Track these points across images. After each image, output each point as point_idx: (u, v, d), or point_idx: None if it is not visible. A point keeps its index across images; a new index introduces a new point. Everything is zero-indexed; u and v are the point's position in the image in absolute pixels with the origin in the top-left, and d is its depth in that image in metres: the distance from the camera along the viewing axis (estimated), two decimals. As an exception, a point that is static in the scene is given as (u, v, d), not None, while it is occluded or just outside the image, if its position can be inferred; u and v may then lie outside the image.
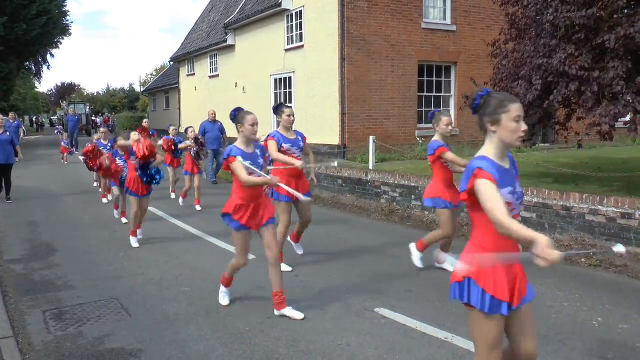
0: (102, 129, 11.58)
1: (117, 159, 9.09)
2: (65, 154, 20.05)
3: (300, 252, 6.92)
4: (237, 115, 4.94)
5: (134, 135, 7.88)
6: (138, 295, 5.59)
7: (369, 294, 5.49)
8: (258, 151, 5.00)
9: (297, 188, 5.82)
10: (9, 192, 11.55)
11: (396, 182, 10.16)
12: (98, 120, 50.53)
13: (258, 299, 5.42)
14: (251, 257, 6.92)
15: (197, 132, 11.90)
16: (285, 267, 6.14)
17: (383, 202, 10.37)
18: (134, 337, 4.52)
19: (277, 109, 6.23)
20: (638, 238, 6.49)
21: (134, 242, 7.65)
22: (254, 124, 4.85)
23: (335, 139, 15.25)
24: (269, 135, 6.12)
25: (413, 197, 9.72)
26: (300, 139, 6.29)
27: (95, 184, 13.55)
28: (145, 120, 11.63)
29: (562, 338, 4.35)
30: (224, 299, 5.26)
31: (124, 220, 9.33)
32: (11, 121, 17.97)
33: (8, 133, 11.47)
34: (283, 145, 6.08)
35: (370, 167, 11.74)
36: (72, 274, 6.38)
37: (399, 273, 6.22)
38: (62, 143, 20.64)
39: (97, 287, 5.85)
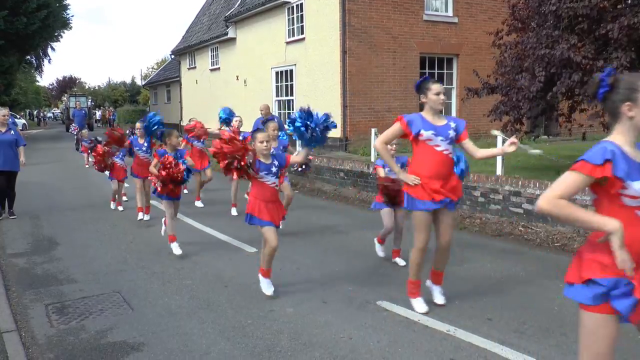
0: (138, 124, 9.31)
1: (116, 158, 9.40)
2: (87, 155, 16.59)
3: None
4: (421, 84, 4.63)
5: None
6: (140, 288, 5.60)
7: (371, 287, 5.48)
8: (451, 123, 4.66)
9: None
10: (11, 204, 9.36)
11: (398, 175, 10.12)
12: (98, 113, 50.41)
13: (260, 292, 5.41)
14: (253, 250, 6.95)
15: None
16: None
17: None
18: (136, 331, 4.52)
19: (421, 86, 4.62)
20: None
21: (176, 249, 6.77)
22: (439, 93, 4.53)
23: (337, 132, 15.21)
24: (401, 116, 4.66)
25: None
26: (454, 125, 4.62)
27: (120, 207, 10.19)
28: (236, 119, 9.46)
29: (564, 330, 4.35)
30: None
31: (120, 208, 9.86)
32: None
33: (13, 132, 9.22)
34: (422, 132, 4.51)
35: (372, 160, 11.71)
36: (74, 267, 6.39)
37: (401, 266, 6.21)
38: (83, 142, 16.54)
39: (99, 281, 5.86)
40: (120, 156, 9.74)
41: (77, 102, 29.38)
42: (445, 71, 16.79)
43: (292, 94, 17.78)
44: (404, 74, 15.70)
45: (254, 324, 4.61)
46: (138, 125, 9.09)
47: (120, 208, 9.87)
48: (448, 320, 4.55)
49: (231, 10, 21.65)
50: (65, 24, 34.49)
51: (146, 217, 8.93)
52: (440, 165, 4.55)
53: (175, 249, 6.76)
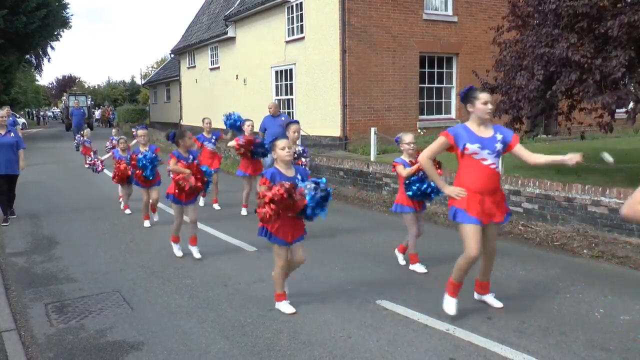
0: (140, 131, 8.88)
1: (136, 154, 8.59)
2: (87, 157, 15.89)
3: (403, 262, 6.28)
4: (468, 93, 4.49)
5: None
6: (140, 287, 5.60)
7: (370, 286, 5.48)
8: (497, 134, 4.45)
9: None
10: (11, 203, 9.07)
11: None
12: (97, 113, 50.28)
13: (259, 291, 5.42)
14: (252, 249, 6.95)
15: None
16: (420, 268, 5.97)
17: (384, 193, 10.35)
18: (135, 330, 4.52)
19: (468, 95, 4.50)
20: (640, 229, 6.47)
21: (176, 251, 6.72)
22: (487, 102, 4.36)
23: (336, 131, 15.22)
24: (446, 131, 4.52)
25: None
26: (500, 137, 4.43)
27: (121, 200, 10.20)
28: (248, 124, 9.01)
29: (564, 329, 4.35)
30: (288, 309, 4.81)
31: (128, 211, 9.52)
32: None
33: (13, 134, 8.83)
34: (467, 145, 4.34)
35: (372, 159, 11.71)
36: (73, 266, 6.39)
37: (400, 265, 6.21)
38: (85, 142, 16.48)
39: (98, 280, 5.86)
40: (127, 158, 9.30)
41: (76, 101, 28.53)
42: (445, 70, 16.77)
43: (291, 93, 17.77)
44: (404, 73, 15.69)
45: (253, 323, 4.61)
46: (141, 132, 8.63)
47: (128, 211, 9.52)
48: (447, 320, 4.55)
49: (231, 10, 21.63)
50: (64, 23, 34.49)
51: (155, 218, 8.73)
52: (486, 180, 4.38)
53: (176, 251, 6.72)
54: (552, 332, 4.30)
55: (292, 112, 17.76)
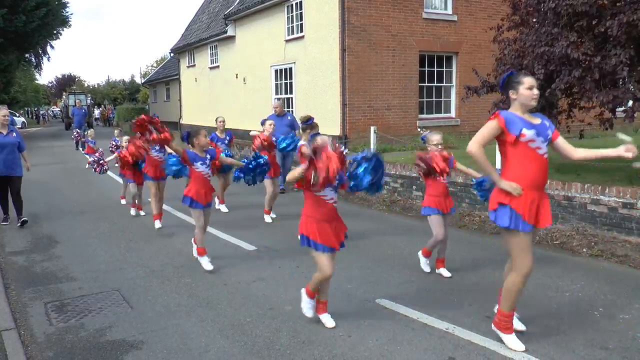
0: (219, 119, 9.00)
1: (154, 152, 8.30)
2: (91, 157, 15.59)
3: (427, 269, 5.96)
4: (510, 78, 4.00)
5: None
6: (139, 286, 5.60)
7: (370, 285, 5.49)
8: (545, 122, 4.00)
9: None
10: (20, 210, 8.58)
11: (397, 173, 10.14)
12: (97, 112, 50.17)
13: (259, 290, 5.42)
14: (252, 248, 6.96)
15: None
16: (445, 273, 5.75)
17: (384, 192, 10.36)
18: (135, 329, 4.52)
19: (510, 80, 3.99)
20: (639, 228, 6.48)
21: (206, 264, 6.08)
22: (532, 87, 3.87)
23: (336, 130, 15.21)
24: (497, 113, 3.95)
25: (414, 187, 9.70)
26: (548, 124, 4.01)
27: (123, 201, 10.29)
28: (269, 123, 8.41)
29: (563, 328, 4.35)
30: (307, 311, 4.58)
31: (142, 212, 9.22)
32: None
33: (15, 134, 8.55)
34: (524, 131, 3.81)
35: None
36: (73, 265, 6.39)
37: (400, 264, 6.21)
38: (88, 142, 15.86)
39: (98, 279, 5.86)
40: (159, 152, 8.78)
41: (77, 101, 27.89)
42: (444, 69, 16.77)
43: (291, 92, 17.76)
44: (404, 72, 15.69)
45: (253, 322, 4.62)
46: (220, 120, 8.67)
47: (142, 212, 9.23)
48: (447, 319, 4.55)
49: (230, 9, 21.62)
50: (64, 22, 34.44)
51: (157, 225, 8.21)
52: (541, 172, 3.89)
53: (206, 264, 6.04)
54: (551, 331, 4.31)
55: (292, 111, 17.76)
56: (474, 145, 3.91)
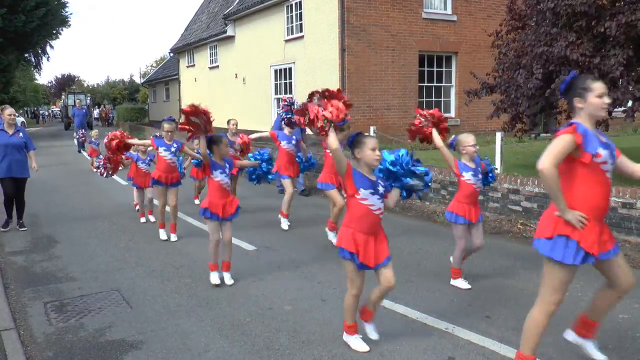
0: (232, 122, 8.62)
1: (139, 162, 8.42)
2: (95, 158, 13.78)
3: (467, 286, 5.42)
4: (575, 82, 3.35)
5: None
6: (139, 286, 5.60)
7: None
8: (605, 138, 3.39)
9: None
10: (21, 214, 8.36)
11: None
12: (96, 112, 50.07)
13: (258, 290, 5.42)
14: (252, 248, 6.95)
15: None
16: (464, 284, 5.37)
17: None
18: (134, 329, 4.52)
19: (576, 85, 3.34)
20: (639, 227, 6.48)
21: (214, 278, 5.62)
22: (603, 95, 3.27)
23: (335, 130, 15.20)
24: (574, 126, 3.23)
25: (414, 187, 9.70)
26: (610, 142, 3.40)
27: (138, 207, 9.24)
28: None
29: (562, 329, 4.34)
30: (361, 345, 4.07)
31: (152, 218, 8.73)
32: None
33: (22, 134, 8.25)
34: (600, 151, 3.22)
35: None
36: (73, 265, 6.39)
37: (400, 264, 6.20)
38: (91, 144, 15.52)
39: (98, 279, 5.86)
40: (147, 161, 8.62)
41: (78, 101, 26.82)
42: (444, 69, 16.78)
43: (291, 92, 17.76)
44: (403, 72, 15.70)
45: (252, 322, 4.62)
46: (167, 126, 7.26)
47: (152, 218, 8.72)
48: (446, 318, 4.55)
49: (230, 9, 21.62)
50: (64, 22, 34.41)
51: (173, 237, 7.45)
52: (607, 198, 3.36)
53: (214, 278, 5.61)
54: (550, 331, 4.29)
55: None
56: (547, 164, 3.17)
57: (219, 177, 5.55)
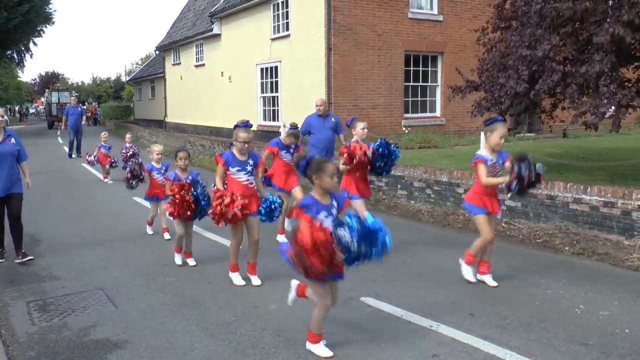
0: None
1: (154, 172, 7.53)
2: (107, 166, 12.90)
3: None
4: None
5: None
6: (123, 285, 5.56)
7: (354, 283, 5.51)
8: None
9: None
10: (20, 243, 6.53)
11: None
12: None
13: (244, 289, 5.41)
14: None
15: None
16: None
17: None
18: (119, 328, 4.50)
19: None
20: (620, 226, 6.58)
21: (237, 280, 5.54)
22: None
23: (322, 129, 15.22)
24: None
25: (399, 186, 9.74)
26: None
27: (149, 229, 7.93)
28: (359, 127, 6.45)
29: (545, 325, 4.41)
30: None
31: (166, 236, 7.52)
32: None
33: (14, 140, 6.60)
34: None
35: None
36: (56, 264, 6.33)
37: (384, 262, 6.21)
38: (101, 149, 13.04)
39: (81, 278, 5.82)
40: (162, 171, 7.52)
41: (73, 98, 22.16)
42: (430, 69, 16.87)
43: (277, 91, 17.75)
44: (389, 72, 15.76)
45: (237, 320, 4.62)
46: (182, 155, 6.34)
47: (167, 236, 7.51)
48: (431, 316, 4.59)
49: (216, 7, 21.54)
50: (47, 19, 34.00)
51: (191, 262, 6.30)
52: None
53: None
54: (533, 328, 4.36)
55: (277, 109, 17.75)
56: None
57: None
